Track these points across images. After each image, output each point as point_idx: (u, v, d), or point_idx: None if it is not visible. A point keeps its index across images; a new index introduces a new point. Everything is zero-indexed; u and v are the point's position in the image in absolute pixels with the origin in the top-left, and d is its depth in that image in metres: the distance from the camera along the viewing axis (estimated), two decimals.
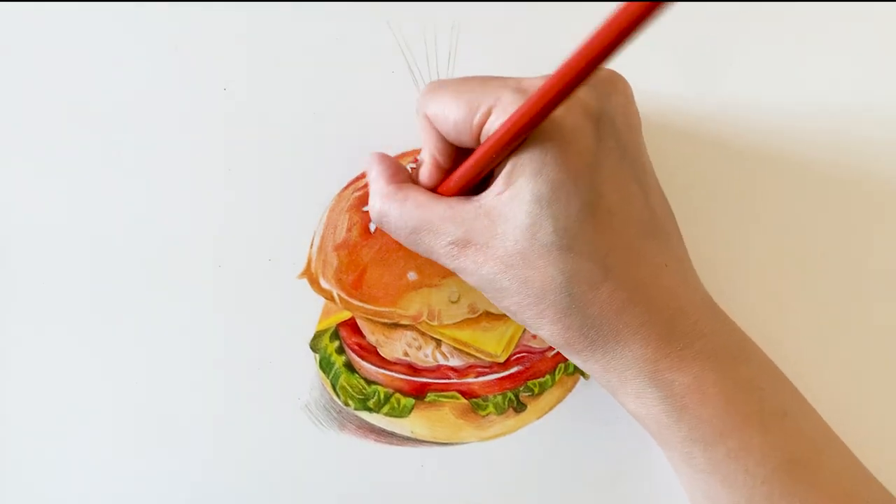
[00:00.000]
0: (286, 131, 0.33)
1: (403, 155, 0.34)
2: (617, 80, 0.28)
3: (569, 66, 0.22)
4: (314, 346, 0.34)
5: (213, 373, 0.33)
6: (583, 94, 0.26)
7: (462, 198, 0.28)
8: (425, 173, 0.30)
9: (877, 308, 0.35)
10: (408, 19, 0.33)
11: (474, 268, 0.27)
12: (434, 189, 0.30)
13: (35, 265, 0.33)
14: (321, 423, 0.34)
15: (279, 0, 0.33)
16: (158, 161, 0.33)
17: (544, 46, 0.34)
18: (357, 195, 0.34)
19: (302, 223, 0.33)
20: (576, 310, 0.26)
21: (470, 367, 0.34)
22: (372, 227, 0.34)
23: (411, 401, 0.34)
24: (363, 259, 0.34)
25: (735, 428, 0.26)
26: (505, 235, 0.26)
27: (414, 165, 0.34)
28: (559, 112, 0.25)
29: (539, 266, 0.26)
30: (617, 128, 0.27)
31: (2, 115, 0.33)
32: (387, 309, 0.33)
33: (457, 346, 0.34)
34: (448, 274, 0.33)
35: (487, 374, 0.34)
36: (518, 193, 0.26)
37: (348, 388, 0.34)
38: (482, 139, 0.27)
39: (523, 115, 0.24)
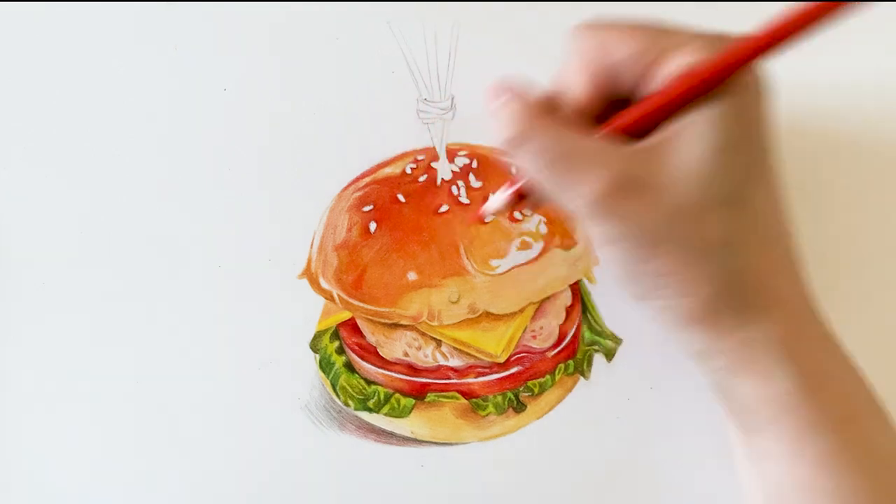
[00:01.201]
0: (286, 131, 0.33)
1: (404, 155, 0.34)
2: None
3: (789, 19, 0.21)
4: (314, 346, 0.34)
5: (214, 373, 0.33)
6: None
7: (629, 140, 0.24)
8: (564, 82, 0.26)
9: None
10: (408, 19, 0.33)
11: (631, 215, 0.23)
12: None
13: (35, 265, 0.33)
14: (321, 424, 0.34)
15: (279, 0, 0.33)
16: (158, 161, 0.33)
17: (544, 46, 0.34)
18: (357, 195, 0.34)
19: (302, 223, 0.33)
20: (741, 272, 0.24)
21: (470, 367, 0.34)
22: (372, 227, 0.34)
23: (411, 401, 0.34)
24: (363, 259, 0.34)
25: (870, 411, 0.25)
26: (676, 183, 0.23)
27: (414, 166, 0.34)
28: (751, 67, 0.24)
29: (711, 220, 0.23)
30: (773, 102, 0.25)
31: (1, 114, 0.33)
32: (387, 309, 0.33)
33: (457, 346, 0.34)
34: (447, 274, 0.33)
35: (487, 374, 0.34)
36: (693, 139, 0.23)
37: (348, 388, 0.34)
38: (650, 80, 0.24)
39: (733, 54, 0.22)
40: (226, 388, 0.33)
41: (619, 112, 0.25)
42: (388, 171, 0.34)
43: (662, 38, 0.24)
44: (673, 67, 0.24)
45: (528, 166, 0.25)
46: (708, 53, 0.23)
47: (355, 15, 0.33)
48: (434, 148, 0.34)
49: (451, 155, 0.34)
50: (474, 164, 0.34)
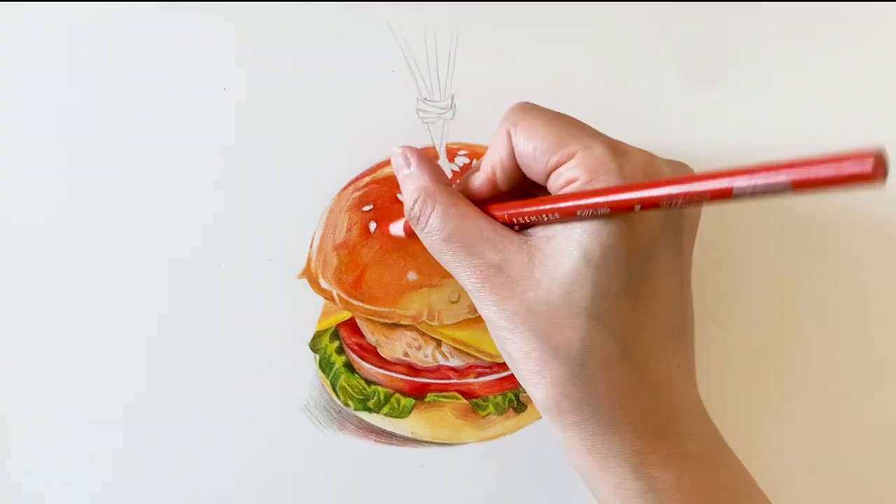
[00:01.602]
0: (286, 131, 0.33)
1: None
2: (650, 164, 0.27)
3: (684, 190, 0.21)
4: (314, 346, 0.34)
5: (213, 373, 0.33)
6: (668, 170, 0.26)
7: (507, 227, 0.27)
8: (476, 183, 0.28)
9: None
10: (408, 19, 0.33)
11: (495, 299, 0.26)
12: (476, 202, 0.29)
13: (34, 265, 0.33)
14: (321, 424, 0.34)
15: (279, 0, 0.33)
16: (158, 161, 0.33)
17: (544, 46, 0.34)
18: (357, 195, 0.34)
19: (302, 223, 0.33)
20: (582, 381, 0.25)
21: (470, 367, 0.34)
22: (372, 227, 0.34)
23: (411, 401, 0.34)
24: (363, 259, 0.34)
25: None
26: (540, 281, 0.25)
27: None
28: (641, 180, 0.25)
29: (563, 325, 0.25)
30: (682, 224, 0.27)
31: (2, 115, 0.33)
32: (387, 309, 0.33)
33: (457, 346, 0.34)
34: (447, 275, 0.33)
35: (487, 374, 0.34)
36: (568, 245, 0.25)
37: (348, 388, 0.34)
38: (551, 179, 0.26)
39: (618, 203, 0.23)
40: (225, 388, 0.33)
41: (517, 198, 0.27)
42: (388, 170, 0.34)
43: (574, 137, 0.25)
44: (574, 171, 0.25)
45: (423, 240, 0.28)
46: (592, 174, 0.24)
47: (355, 15, 0.33)
48: (434, 148, 0.34)
49: (451, 154, 0.34)
50: (474, 164, 0.34)
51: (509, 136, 0.27)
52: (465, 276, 0.27)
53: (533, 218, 0.26)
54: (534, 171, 0.27)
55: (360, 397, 0.34)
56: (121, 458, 0.33)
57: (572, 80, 0.34)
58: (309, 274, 0.33)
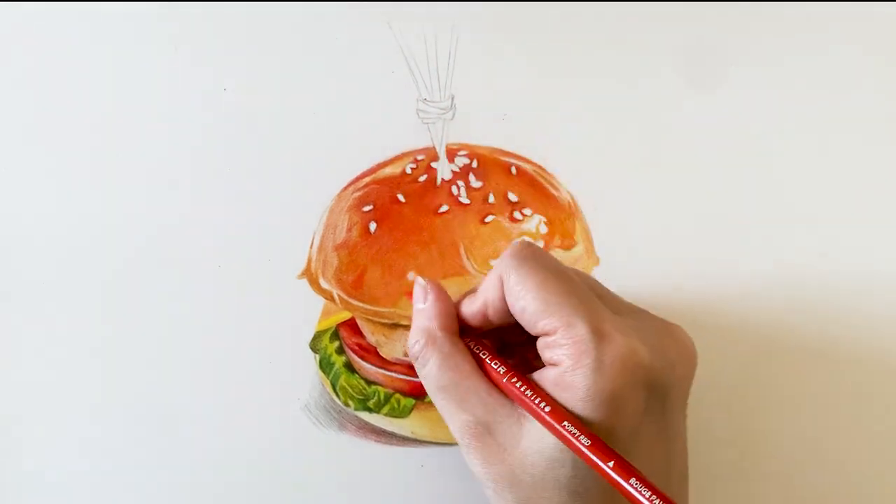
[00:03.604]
0: (286, 131, 0.33)
1: (404, 155, 0.34)
2: (684, 346, 0.28)
3: (618, 474, 0.23)
4: (314, 346, 0.34)
5: (213, 373, 0.33)
6: (646, 356, 0.26)
7: (503, 396, 0.27)
8: (470, 310, 0.29)
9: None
10: (408, 19, 0.33)
11: (482, 459, 0.26)
12: (471, 327, 0.29)
13: (34, 265, 0.33)
14: (321, 424, 0.34)
15: (280, 0, 0.33)
16: (159, 161, 0.33)
17: (544, 46, 0.34)
18: (357, 195, 0.34)
19: (302, 223, 0.33)
20: None
21: None
22: (372, 227, 0.34)
23: (411, 401, 0.34)
24: (363, 259, 0.34)
25: None
26: (526, 452, 0.26)
27: (414, 166, 0.34)
28: (619, 373, 0.25)
29: (544, 497, 0.25)
30: (668, 401, 0.27)
31: (2, 115, 0.33)
32: (387, 309, 0.33)
33: None
34: (447, 274, 0.33)
35: None
36: (546, 449, 0.25)
37: (348, 388, 0.34)
38: (539, 343, 0.26)
39: (588, 453, 0.24)
40: (226, 389, 0.33)
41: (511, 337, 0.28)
42: (388, 171, 0.34)
43: (560, 310, 0.25)
44: (547, 357, 0.26)
45: (421, 380, 0.29)
46: (574, 361, 0.25)
47: (355, 15, 0.33)
48: (434, 148, 0.34)
49: (451, 155, 0.34)
50: (474, 164, 0.34)
51: (501, 281, 0.27)
52: (455, 427, 0.27)
53: (522, 396, 0.26)
54: (522, 324, 0.27)
55: (361, 397, 0.34)
56: (121, 458, 0.33)
57: (572, 80, 0.34)
58: (309, 274, 0.33)
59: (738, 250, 0.34)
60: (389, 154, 0.34)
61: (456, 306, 0.29)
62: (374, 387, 0.34)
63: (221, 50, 0.33)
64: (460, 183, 0.34)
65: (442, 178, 0.34)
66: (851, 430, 0.35)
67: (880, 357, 0.35)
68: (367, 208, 0.34)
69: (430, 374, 0.28)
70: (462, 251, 0.33)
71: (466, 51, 0.33)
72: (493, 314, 0.28)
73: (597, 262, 0.34)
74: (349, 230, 0.34)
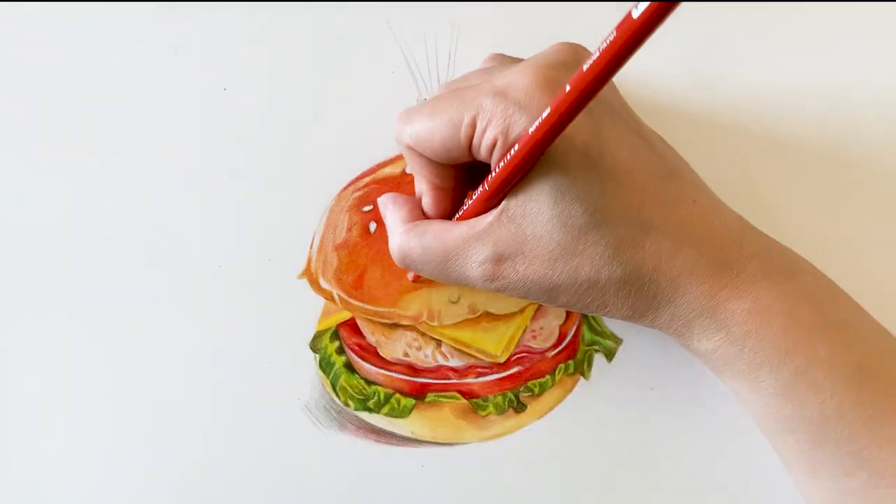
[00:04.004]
0: (286, 131, 0.33)
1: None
2: (579, 49, 0.28)
3: (581, 81, 0.21)
4: (314, 346, 0.34)
5: (213, 373, 0.33)
6: (552, 71, 0.26)
7: (478, 217, 0.27)
8: (429, 203, 0.29)
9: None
10: (408, 19, 0.33)
11: (517, 277, 0.27)
12: (448, 217, 0.29)
13: (34, 265, 0.33)
14: (321, 424, 0.34)
15: (279, 0, 0.33)
16: (159, 161, 0.33)
17: (544, 47, 0.34)
18: (357, 195, 0.34)
19: (302, 223, 0.33)
20: (631, 275, 0.26)
21: (470, 367, 0.34)
22: (372, 227, 0.34)
23: (411, 401, 0.34)
24: (363, 259, 0.34)
25: (800, 344, 0.26)
26: (537, 234, 0.26)
27: None
28: (540, 96, 0.25)
29: (581, 250, 0.26)
30: (609, 101, 0.27)
31: (2, 115, 0.33)
32: (387, 309, 0.33)
33: (457, 346, 0.34)
34: None
35: (487, 374, 0.34)
36: (535, 188, 0.25)
37: (348, 388, 0.34)
38: (477, 153, 0.26)
39: (537, 140, 0.23)
40: (225, 389, 0.33)
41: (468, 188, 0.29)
42: (388, 170, 0.34)
43: (462, 108, 0.26)
44: (489, 136, 0.25)
45: (422, 273, 0.29)
46: (503, 121, 0.25)
47: (355, 15, 0.33)
48: None
49: None
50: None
51: (412, 150, 0.28)
52: (477, 281, 0.27)
53: (493, 183, 0.26)
54: (457, 157, 0.27)
55: (360, 397, 0.34)
56: (120, 458, 0.33)
57: None
58: (309, 274, 0.33)
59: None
60: (389, 154, 0.34)
61: (435, 221, 0.29)
62: (374, 387, 0.34)
63: (221, 50, 0.33)
64: None
65: None
66: None
67: None
68: (367, 208, 0.34)
69: (422, 261, 0.28)
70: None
71: (466, 51, 0.33)
72: (439, 178, 0.28)
73: None
74: (349, 230, 0.34)
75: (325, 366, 0.34)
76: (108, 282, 0.33)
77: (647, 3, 0.18)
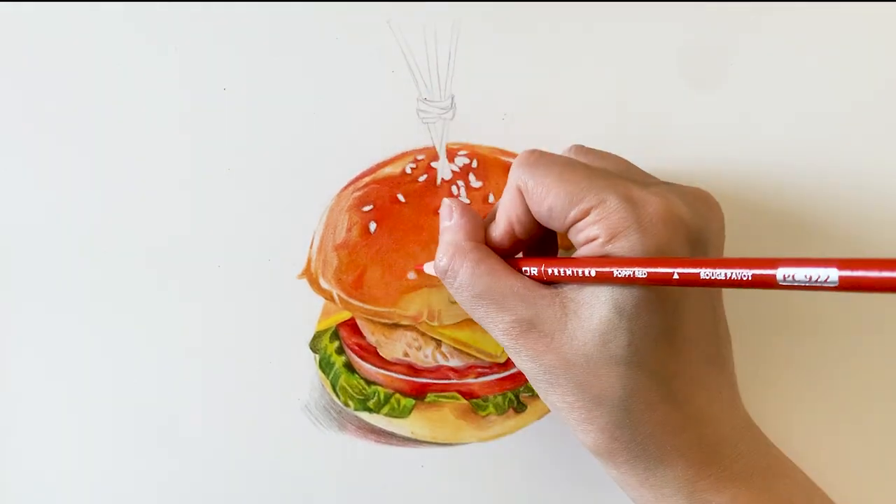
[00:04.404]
0: (286, 131, 0.33)
1: (404, 155, 0.34)
2: (715, 206, 0.28)
3: (686, 276, 0.22)
4: (314, 346, 0.34)
5: (213, 373, 0.33)
6: (685, 212, 0.26)
7: (537, 282, 0.27)
8: (496, 235, 0.29)
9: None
10: (408, 19, 0.33)
11: (531, 354, 0.26)
12: (501, 252, 0.29)
13: (33, 265, 0.33)
14: (321, 424, 0.34)
15: (279, 0, 0.33)
16: (158, 161, 0.33)
17: (544, 46, 0.34)
18: (357, 195, 0.34)
19: (302, 223, 0.33)
20: (628, 425, 0.26)
21: (470, 367, 0.34)
22: (372, 228, 0.34)
23: (411, 401, 0.34)
24: (363, 259, 0.34)
25: None
26: (574, 334, 0.25)
27: (413, 166, 0.34)
28: (661, 229, 0.25)
29: (602, 375, 0.25)
30: (708, 255, 0.27)
31: (2, 115, 0.33)
32: (387, 309, 0.33)
33: (457, 346, 0.34)
34: None
35: (487, 374, 0.34)
36: (599, 296, 0.25)
37: (348, 388, 0.34)
38: (573, 233, 0.26)
39: (618, 280, 0.24)
40: (225, 389, 0.33)
41: (538, 244, 0.29)
42: (388, 170, 0.34)
43: (587, 192, 0.25)
44: (583, 235, 0.26)
45: (454, 295, 0.29)
46: (612, 232, 0.25)
47: (355, 15, 0.33)
48: (434, 148, 0.34)
49: (451, 155, 0.34)
50: (474, 164, 0.34)
51: (520, 192, 0.27)
52: (498, 332, 0.27)
53: (566, 272, 0.26)
54: (553, 226, 0.27)
55: (360, 397, 0.34)
56: (120, 458, 0.33)
57: (572, 81, 0.34)
58: (309, 274, 0.33)
59: (738, 250, 0.34)
60: (389, 154, 0.34)
61: (496, 256, 0.29)
62: (373, 387, 0.34)
63: (221, 50, 0.33)
64: (460, 183, 0.34)
65: (442, 178, 0.34)
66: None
67: None
68: (367, 208, 0.34)
69: (462, 283, 0.28)
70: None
71: (466, 51, 0.33)
72: (520, 229, 0.28)
73: None
74: (349, 230, 0.34)
75: (325, 366, 0.34)
76: (108, 282, 0.33)
77: (797, 276, 0.19)
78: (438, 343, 0.34)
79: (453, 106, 0.34)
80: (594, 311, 0.25)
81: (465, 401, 0.34)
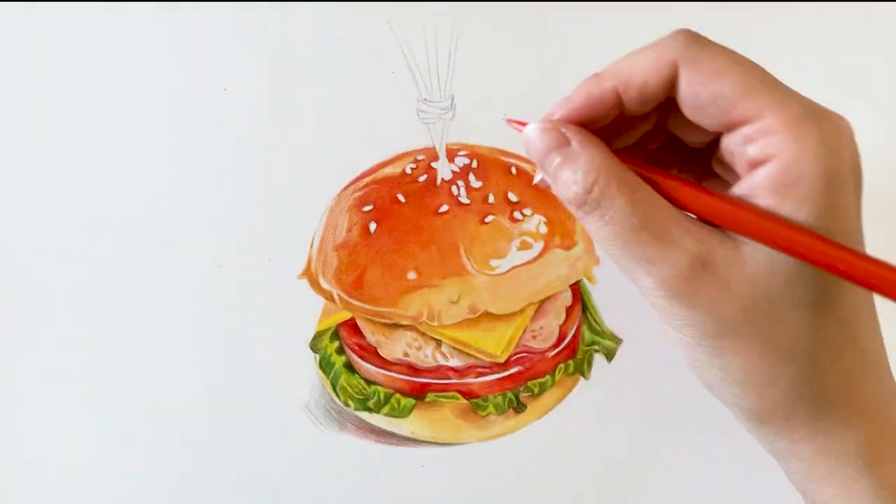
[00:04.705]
0: (286, 131, 0.33)
1: (404, 155, 0.34)
2: (851, 133, 0.23)
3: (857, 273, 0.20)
4: (314, 346, 0.34)
5: (214, 373, 0.33)
6: (847, 147, 0.22)
7: (705, 225, 0.22)
8: (586, 97, 0.23)
9: None
10: (408, 19, 0.33)
11: (704, 302, 0.22)
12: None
13: (34, 265, 0.33)
14: (321, 424, 0.34)
15: (280, 0, 0.33)
16: (158, 161, 0.33)
17: (544, 46, 0.34)
18: (357, 195, 0.34)
19: (302, 223, 0.33)
20: (814, 378, 0.22)
21: (470, 367, 0.34)
22: (372, 228, 0.34)
23: (411, 401, 0.34)
24: (363, 259, 0.34)
25: None
26: (757, 276, 0.21)
27: (413, 166, 0.34)
28: (847, 155, 0.21)
29: (789, 321, 0.22)
30: (859, 185, 0.23)
31: (2, 115, 0.33)
32: (387, 309, 0.33)
33: (457, 346, 0.34)
34: (447, 274, 0.33)
35: (487, 374, 0.34)
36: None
37: (348, 388, 0.34)
38: (729, 138, 0.22)
39: (810, 251, 0.20)
40: (226, 389, 0.33)
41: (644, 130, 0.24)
42: (388, 171, 0.34)
43: (755, 92, 0.21)
44: (751, 154, 0.21)
45: (597, 232, 0.23)
46: (791, 161, 0.21)
47: (355, 15, 0.33)
48: (434, 148, 0.34)
49: (451, 155, 0.34)
50: (474, 164, 0.34)
51: (675, 66, 0.22)
52: (660, 275, 0.22)
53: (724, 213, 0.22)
54: (704, 116, 0.22)
55: (360, 397, 0.34)
56: (121, 458, 0.33)
57: (572, 80, 0.34)
58: (309, 274, 0.33)
59: None
60: (389, 154, 0.34)
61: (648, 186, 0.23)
62: (374, 387, 0.34)
63: (221, 50, 0.33)
64: (460, 183, 0.34)
65: (442, 178, 0.34)
66: None
67: None
68: (367, 208, 0.34)
69: (619, 213, 0.22)
70: (462, 251, 0.33)
71: (466, 51, 0.33)
72: (631, 100, 0.23)
73: (597, 261, 0.34)
74: (349, 230, 0.34)
75: (325, 366, 0.34)
76: (109, 281, 0.33)
77: None
78: (438, 343, 0.34)
79: (453, 106, 0.34)
80: (778, 252, 0.21)
81: (465, 401, 0.34)
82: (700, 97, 0.22)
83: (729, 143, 0.22)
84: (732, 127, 0.22)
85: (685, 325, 0.22)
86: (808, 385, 0.22)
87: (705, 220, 0.22)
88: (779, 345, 0.22)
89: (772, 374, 0.22)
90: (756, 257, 0.22)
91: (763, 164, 0.21)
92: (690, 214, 0.22)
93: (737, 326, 0.22)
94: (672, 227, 0.22)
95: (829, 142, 0.21)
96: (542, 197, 0.34)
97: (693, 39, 0.22)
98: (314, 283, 0.33)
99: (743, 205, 0.21)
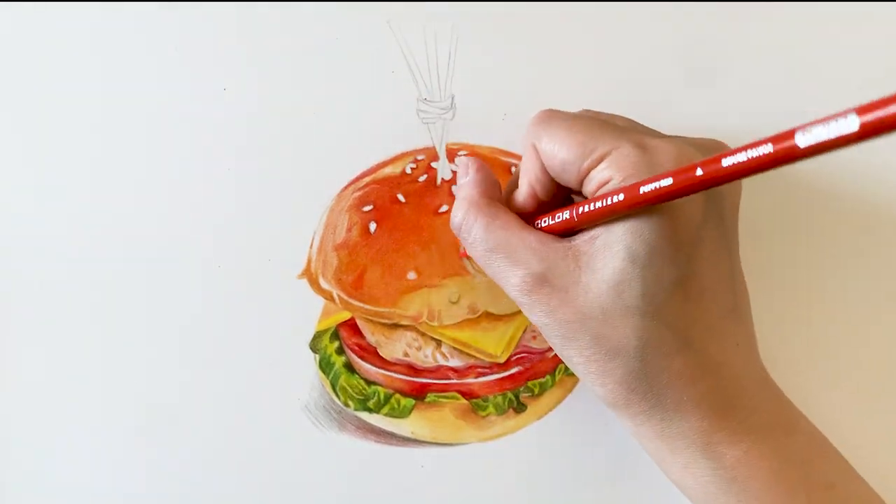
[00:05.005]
0: (286, 131, 0.33)
1: (404, 155, 0.34)
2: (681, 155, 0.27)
3: (710, 169, 0.21)
4: (314, 346, 0.34)
5: (213, 373, 0.33)
6: (700, 158, 0.25)
7: (551, 235, 0.27)
8: (519, 199, 0.29)
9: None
10: (408, 19, 0.33)
11: (545, 309, 0.26)
12: (524, 217, 0.29)
13: (34, 265, 0.33)
14: (321, 424, 0.34)
15: (279, 0, 0.33)
16: (158, 161, 0.33)
17: (544, 46, 0.34)
18: (357, 195, 0.34)
19: (302, 223, 0.33)
20: (644, 376, 0.26)
21: (470, 367, 0.34)
22: (372, 228, 0.34)
23: (411, 401, 0.34)
24: (363, 259, 0.34)
25: (780, 500, 0.26)
26: (588, 286, 0.25)
27: (413, 166, 0.34)
28: (657, 160, 0.25)
29: (617, 326, 0.25)
30: (724, 206, 0.27)
31: (2, 115, 0.33)
32: (386, 309, 0.33)
33: (457, 346, 0.34)
34: (447, 274, 0.33)
35: (487, 374, 0.34)
36: (612, 246, 0.25)
37: (348, 388, 0.34)
38: (587, 184, 0.26)
39: (646, 196, 0.23)
40: (225, 389, 0.33)
41: (558, 206, 0.28)
42: (388, 170, 0.34)
43: (599, 141, 0.26)
44: (605, 173, 0.25)
45: (469, 251, 0.29)
46: (631, 163, 0.25)
47: (355, 15, 0.33)
48: (434, 148, 0.34)
49: (451, 155, 0.34)
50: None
51: (536, 150, 0.28)
52: (512, 288, 0.27)
53: (587, 209, 0.25)
54: (567, 181, 0.27)
55: (360, 397, 0.34)
56: (120, 458, 0.33)
57: (572, 80, 0.34)
58: (309, 274, 0.33)
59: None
60: (389, 154, 0.34)
61: (510, 212, 0.29)
62: (373, 387, 0.34)
63: (221, 50, 0.33)
64: None
65: (442, 178, 0.34)
66: None
67: None
68: (367, 208, 0.34)
69: (476, 238, 0.28)
70: (462, 251, 0.33)
71: (466, 51, 0.33)
72: (541, 189, 0.28)
73: None
74: (349, 230, 0.34)
75: (325, 366, 0.34)
76: (108, 282, 0.33)
77: (816, 132, 0.18)
78: (438, 343, 0.34)
79: (453, 106, 0.34)
80: (607, 261, 0.25)
81: (465, 401, 0.34)
82: (554, 169, 0.27)
83: (586, 191, 0.27)
84: (584, 178, 0.26)
85: (541, 326, 0.27)
86: (639, 381, 0.26)
87: (572, 229, 0.27)
88: (609, 345, 0.26)
89: (605, 369, 0.26)
90: (591, 270, 0.25)
91: (608, 181, 0.25)
92: (551, 234, 0.27)
93: (574, 328, 0.26)
94: (519, 249, 0.27)
95: (656, 166, 0.25)
96: None
97: (540, 120, 0.28)
98: (314, 284, 0.33)
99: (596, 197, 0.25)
